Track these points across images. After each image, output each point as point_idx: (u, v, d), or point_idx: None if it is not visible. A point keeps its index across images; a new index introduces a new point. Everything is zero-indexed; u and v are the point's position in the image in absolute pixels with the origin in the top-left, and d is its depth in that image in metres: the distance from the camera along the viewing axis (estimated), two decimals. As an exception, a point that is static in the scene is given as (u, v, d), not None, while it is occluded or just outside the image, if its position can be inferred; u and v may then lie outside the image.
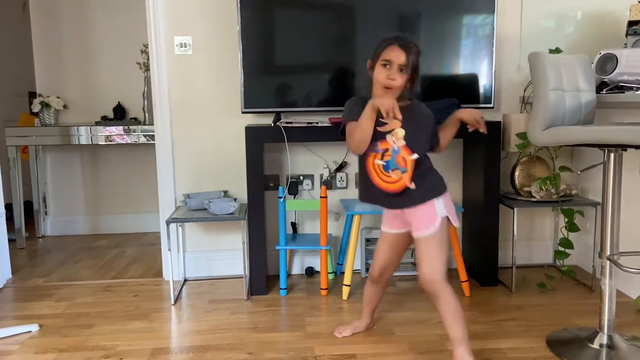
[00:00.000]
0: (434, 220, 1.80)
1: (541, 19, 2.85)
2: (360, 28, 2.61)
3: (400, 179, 1.79)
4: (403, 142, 1.78)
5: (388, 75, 1.78)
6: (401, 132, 1.77)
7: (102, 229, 3.92)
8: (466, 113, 1.90)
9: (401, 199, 1.83)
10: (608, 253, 1.92)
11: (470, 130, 1.92)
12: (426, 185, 1.81)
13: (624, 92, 2.23)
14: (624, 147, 1.79)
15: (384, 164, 1.79)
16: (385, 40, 1.82)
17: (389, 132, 1.78)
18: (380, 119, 1.76)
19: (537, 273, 2.79)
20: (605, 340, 1.94)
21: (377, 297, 2.13)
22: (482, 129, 1.90)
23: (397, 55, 1.77)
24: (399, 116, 1.68)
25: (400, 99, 1.81)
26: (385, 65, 1.79)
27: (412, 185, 1.78)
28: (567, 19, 2.86)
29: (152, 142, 3.45)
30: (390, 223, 1.96)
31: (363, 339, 2.08)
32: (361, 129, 1.77)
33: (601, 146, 1.83)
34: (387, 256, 1.99)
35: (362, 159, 1.86)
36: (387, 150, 1.79)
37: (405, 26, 2.62)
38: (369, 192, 1.88)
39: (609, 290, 1.93)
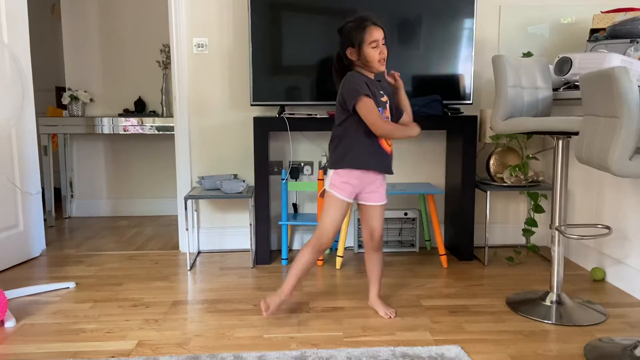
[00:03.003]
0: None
1: (517, 26, 3.20)
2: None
3: (391, 143, 2.18)
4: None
5: (380, 52, 2.02)
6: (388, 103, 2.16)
7: (122, 211, 4.32)
8: (399, 85, 2.19)
9: (390, 164, 2.19)
10: (557, 224, 2.27)
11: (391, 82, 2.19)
12: None
13: (578, 90, 2.58)
14: (568, 134, 2.15)
15: None
16: (360, 24, 2.00)
17: (386, 102, 2.13)
18: (380, 97, 2.09)
19: (509, 251, 3.15)
20: (554, 298, 2.30)
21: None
22: (397, 84, 2.19)
23: (379, 33, 2.01)
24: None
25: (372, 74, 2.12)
26: (375, 47, 2.00)
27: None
28: (542, 26, 3.21)
29: (167, 133, 3.84)
30: (351, 192, 2.12)
31: (350, 296, 2.45)
32: (399, 134, 2.11)
33: (550, 134, 2.19)
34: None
35: (369, 129, 2.04)
36: (388, 117, 2.13)
37: (400, 30, 2.97)
38: (376, 157, 2.10)
39: (557, 256, 2.29)
